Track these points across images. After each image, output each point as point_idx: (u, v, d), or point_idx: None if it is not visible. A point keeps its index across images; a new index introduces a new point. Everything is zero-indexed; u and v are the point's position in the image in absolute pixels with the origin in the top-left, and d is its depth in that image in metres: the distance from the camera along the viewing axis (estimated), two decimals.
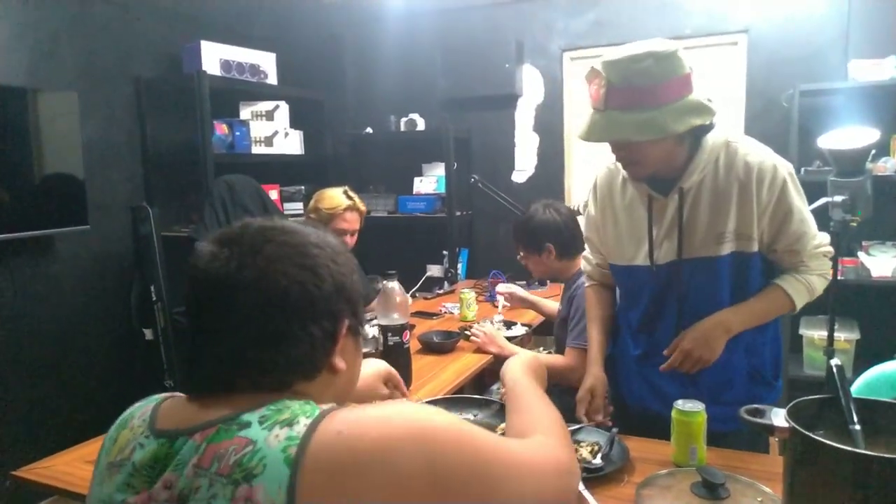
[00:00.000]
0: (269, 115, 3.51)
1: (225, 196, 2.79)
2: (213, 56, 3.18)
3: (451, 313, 2.71)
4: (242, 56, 3.34)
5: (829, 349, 2.48)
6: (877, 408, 1.06)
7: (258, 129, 3.43)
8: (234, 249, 0.71)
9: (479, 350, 2.17)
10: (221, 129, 3.23)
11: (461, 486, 0.68)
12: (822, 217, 2.38)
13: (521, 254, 2.18)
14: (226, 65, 3.24)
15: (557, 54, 3.44)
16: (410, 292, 3.15)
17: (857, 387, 1.71)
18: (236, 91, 3.38)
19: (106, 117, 2.95)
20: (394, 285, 1.70)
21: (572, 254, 2.09)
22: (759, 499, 1.11)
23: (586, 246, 1.69)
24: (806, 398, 1.08)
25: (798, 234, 1.39)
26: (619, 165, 1.47)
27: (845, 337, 2.81)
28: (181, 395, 0.76)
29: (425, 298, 3.08)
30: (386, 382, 1.26)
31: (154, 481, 0.66)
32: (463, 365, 2.05)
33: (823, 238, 1.46)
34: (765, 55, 3.08)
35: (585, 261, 1.71)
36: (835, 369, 1.08)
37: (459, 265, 3.60)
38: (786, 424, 0.99)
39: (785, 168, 1.38)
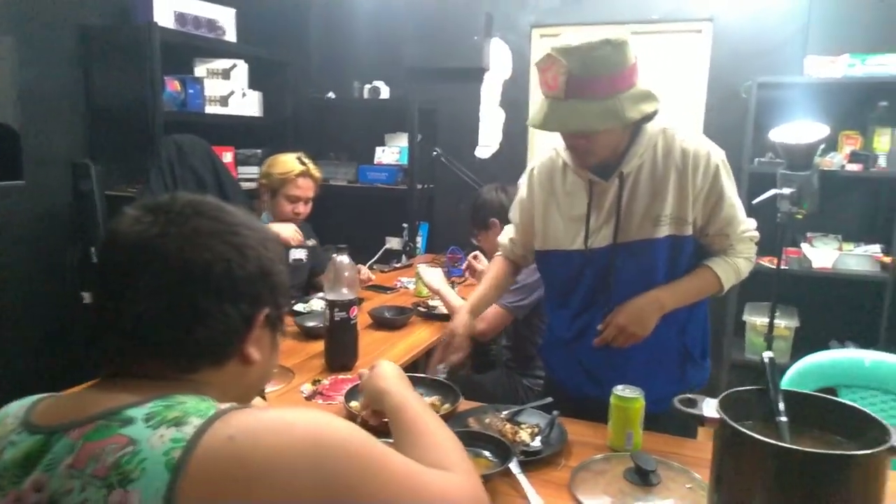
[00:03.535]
0: (226, 74, 3.38)
1: (173, 157, 2.68)
2: (167, 7, 3.02)
3: (407, 288, 2.69)
4: (199, 9, 3.18)
5: (770, 336, 2.59)
6: (806, 400, 1.10)
7: (213, 88, 3.30)
8: (160, 217, 0.68)
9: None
10: (173, 85, 3.09)
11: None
12: (769, 208, 2.47)
13: (474, 231, 2.22)
14: (180, 17, 3.08)
15: (527, 30, 3.39)
16: (368, 264, 3.11)
17: (790, 376, 1.77)
18: (191, 46, 3.22)
19: (47, 66, 2.76)
20: (343, 259, 1.67)
21: None
22: (688, 485, 1.14)
23: (510, 226, 1.70)
24: (738, 389, 1.10)
25: (728, 219, 1.45)
26: (560, 152, 1.51)
27: (785, 324, 2.92)
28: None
29: (382, 272, 3.05)
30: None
31: (23, 481, 0.60)
32: (414, 341, 2.05)
33: (750, 223, 1.52)
34: (728, 45, 3.11)
35: (504, 233, 1.73)
36: (767, 362, 1.11)
37: (419, 239, 3.58)
38: (716, 415, 1.02)
39: (718, 155, 1.44)
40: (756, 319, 2.96)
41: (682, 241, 1.44)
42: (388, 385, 0.98)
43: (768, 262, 2.80)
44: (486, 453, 1.22)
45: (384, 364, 1.07)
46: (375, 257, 3.24)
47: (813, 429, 1.06)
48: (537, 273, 2.02)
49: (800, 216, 2.40)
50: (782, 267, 2.88)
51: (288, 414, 0.64)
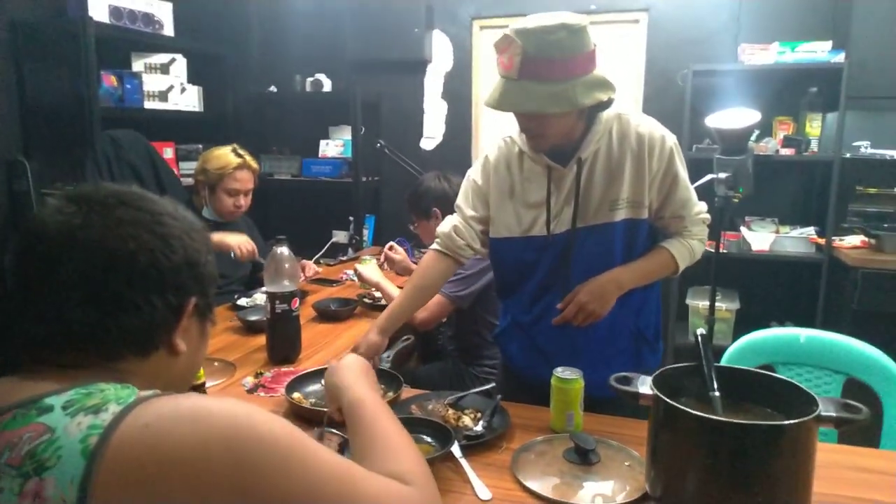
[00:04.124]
0: (165, 69, 3.26)
1: (109, 153, 2.57)
2: (102, 1, 2.89)
3: (353, 280, 2.65)
4: (135, 3, 3.05)
5: (711, 318, 2.65)
6: (740, 376, 1.13)
7: (152, 83, 3.18)
8: (83, 206, 0.67)
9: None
10: (110, 80, 2.97)
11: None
12: (707, 192, 2.51)
13: (413, 220, 2.19)
14: (116, 11, 2.96)
15: (467, 22, 3.39)
16: (314, 259, 3.06)
17: (729, 354, 1.82)
18: (128, 41, 3.10)
19: None
20: (283, 250, 1.63)
21: None
22: (626, 463, 1.16)
23: (455, 216, 1.60)
24: (672, 366, 1.12)
25: (683, 201, 1.48)
26: (515, 139, 1.50)
27: (726, 307, 3.01)
28: None
29: (328, 265, 3.00)
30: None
31: None
32: (357, 333, 2.00)
33: (702, 206, 1.55)
34: (664, 35, 3.17)
35: (445, 222, 1.60)
36: (699, 338, 1.13)
37: (365, 232, 3.54)
38: (650, 392, 1.03)
39: (671, 139, 1.46)
40: (698, 303, 3.04)
41: (638, 224, 1.46)
42: (346, 380, 0.94)
43: (708, 246, 2.87)
44: (428, 438, 1.21)
45: (348, 358, 1.04)
46: (322, 251, 3.19)
47: (745, 402, 1.08)
48: (480, 263, 2.03)
49: (736, 199, 2.47)
50: (722, 250, 2.97)
51: (208, 402, 0.63)
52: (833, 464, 1.18)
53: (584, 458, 1.15)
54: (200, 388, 1.31)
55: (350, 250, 3.25)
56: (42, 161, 2.76)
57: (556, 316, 1.46)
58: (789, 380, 1.06)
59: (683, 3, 3.13)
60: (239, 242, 2.23)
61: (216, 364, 1.64)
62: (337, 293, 2.47)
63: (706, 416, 0.94)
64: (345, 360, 1.03)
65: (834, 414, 0.96)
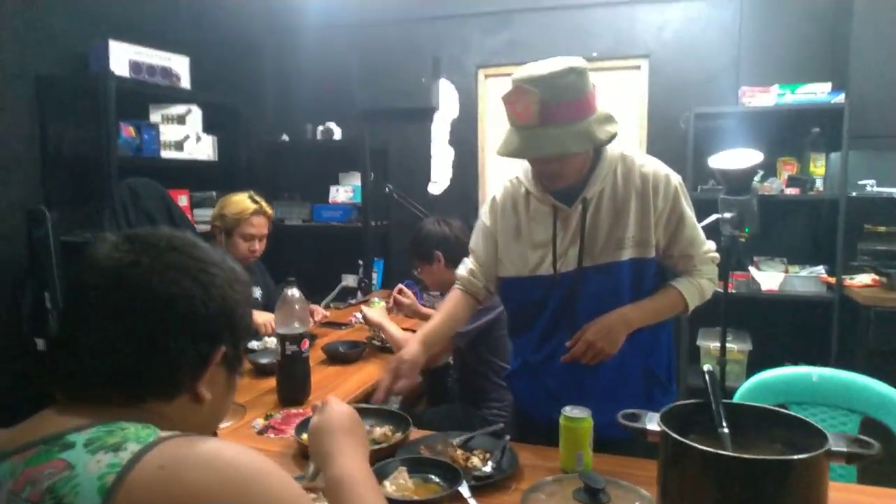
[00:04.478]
0: (181, 119, 3.38)
1: (127, 201, 2.64)
2: (123, 56, 3.03)
3: (362, 323, 2.66)
4: (154, 58, 3.19)
5: (722, 359, 2.63)
6: (749, 412, 1.12)
7: (169, 133, 3.29)
8: (136, 246, 0.70)
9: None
10: (128, 131, 3.08)
11: None
12: (712, 233, 2.54)
13: (416, 265, 2.22)
14: (135, 66, 3.09)
15: (472, 70, 3.50)
16: (324, 303, 3.08)
17: (740, 393, 1.80)
18: (147, 94, 3.23)
19: (2, 114, 2.74)
20: (293, 292, 1.66)
21: (460, 262, 2.14)
22: (637, 503, 1.14)
23: (470, 256, 1.66)
24: (680, 403, 1.12)
25: (690, 239, 1.49)
26: (521, 179, 1.53)
27: (738, 347, 2.98)
28: None
29: (338, 308, 3.02)
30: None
31: None
32: (367, 375, 2.02)
33: (711, 245, 1.56)
34: (665, 79, 3.25)
35: (462, 265, 1.66)
36: (706, 375, 1.14)
37: (375, 275, 3.57)
38: (657, 428, 1.03)
39: (676, 178, 1.48)
40: (709, 344, 3.01)
41: (644, 264, 1.47)
42: (331, 447, 0.87)
43: (717, 287, 2.87)
44: (436, 479, 1.20)
45: (334, 409, 0.93)
46: (332, 295, 3.21)
47: (756, 439, 1.08)
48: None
49: (743, 239, 2.49)
50: (731, 291, 2.97)
51: (224, 449, 0.64)
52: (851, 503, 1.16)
53: (593, 499, 1.13)
54: (212, 431, 1.31)
55: (359, 293, 3.28)
56: (61, 209, 2.85)
57: (565, 345, 1.45)
58: (799, 416, 1.06)
59: (683, 49, 3.22)
60: (265, 321, 2.24)
61: (227, 409, 1.64)
62: (346, 336, 2.48)
63: (714, 451, 0.94)
64: (332, 414, 0.92)
65: (845, 449, 0.95)
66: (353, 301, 3.15)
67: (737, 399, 1.82)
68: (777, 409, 1.11)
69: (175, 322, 0.69)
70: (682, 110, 3.08)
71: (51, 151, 2.93)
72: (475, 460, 1.31)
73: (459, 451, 1.33)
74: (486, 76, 3.49)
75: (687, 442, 0.96)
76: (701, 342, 3.08)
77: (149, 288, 0.68)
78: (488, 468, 1.28)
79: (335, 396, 0.98)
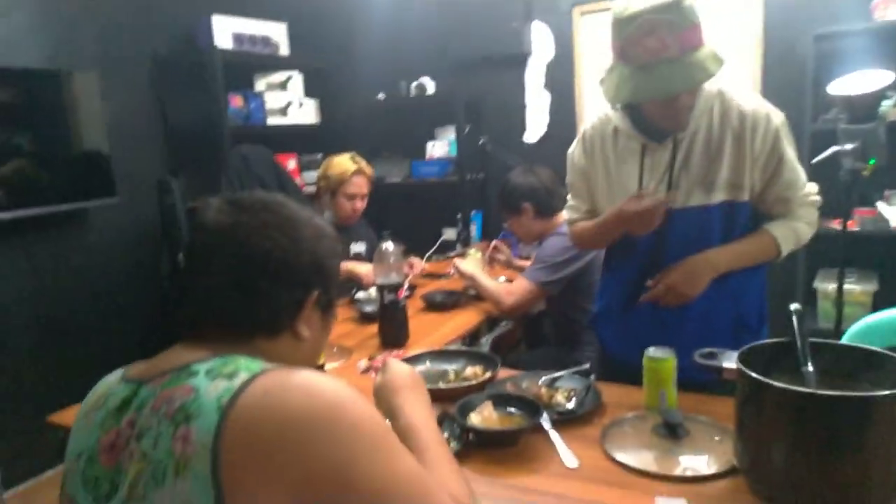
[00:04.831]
0: (283, 86, 3.59)
1: (240, 167, 2.88)
2: (226, 29, 3.25)
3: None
4: (254, 28, 3.40)
5: (840, 302, 2.47)
6: (839, 351, 1.09)
7: (273, 100, 3.51)
8: (236, 209, 0.82)
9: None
10: (237, 101, 3.33)
11: (357, 486, 0.69)
12: (832, 167, 2.35)
13: (505, 217, 2.25)
14: (238, 38, 3.31)
15: (567, 9, 3.38)
16: (426, 256, 3.22)
17: (850, 335, 1.71)
18: (250, 63, 3.46)
19: (126, 94, 3.08)
20: (388, 245, 1.78)
21: (550, 213, 2.15)
22: (716, 437, 1.16)
23: (570, 195, 1.65)
24: (761, 342, 1.11)
25: (789, 182, 1.42)
26: (610, 116, 1.49)
27: (861, 289, 2.77)
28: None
29: (438, 261, 3.14)
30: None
31: (121, 420, 0.75)
32: (463, 321, 2.13)
33: (812, 187, 1.48)
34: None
35: (572, 209, 1.64)
36: (794, 313, 1.11)
37: (473, 227, 3.65)
38: (734, 366, 1.03)
39: (778, 117, 1.41)
40: (828, 286, 2.81)
41: (737, 207, 1.42)
42: (400, 401, 0.96)
43: (837, 225, 2.66)
44: (519, 412, 1.28)
45: (395, 369, 1.02)
46: (433, 249, 3.34)
47: (842, 378, 1.05)
48: (570, 251, 2.05)
49: (866, 172, 2.27)
50: (855, 228, 2.75)
51: (321, 380, 0.73)
52: None
53: (672, 433, 1.17)
54: (320, 368, 1.48)
55: (458, 246, 3.38)
56: (185, 178, 3.16)
57: (646, 285, 1.46)
58: (888, 353, 1.01)
59: None
60: (367, 272, 2.39)
61: (335, 349, 1.82)
62: (445, 286, 2.59)
63: (789, 387, 0.93)
64: (396, 374, 1.01)
65: None
66: (451, 254, 3.26)
67: (845, 341, 1.74)
68: (868, 347, 1.07)
69: (271, 271, 0.80)
70: (802, 32, 2.79)
71: (171, 125, 3.25)
72: (559, 397, 1.37)
73: (544, 389, 1.40)
74: (582, 13, 3.36)
75: (762, 378, 0.96)
76: (818, 283, 2.89)
77: (248, 244, 0.80)
78: (571, 405, 1.34)
79: (395, 358, 1.10)
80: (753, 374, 0.97)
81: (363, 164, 2.61)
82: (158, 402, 0.72)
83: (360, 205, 2.61)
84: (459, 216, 3.50)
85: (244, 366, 0.73)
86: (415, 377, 1.02)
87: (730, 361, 1.06)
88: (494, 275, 2.52)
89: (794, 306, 1.12)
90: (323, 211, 2.64)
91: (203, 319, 0.81)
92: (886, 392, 0.89)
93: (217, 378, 0.71)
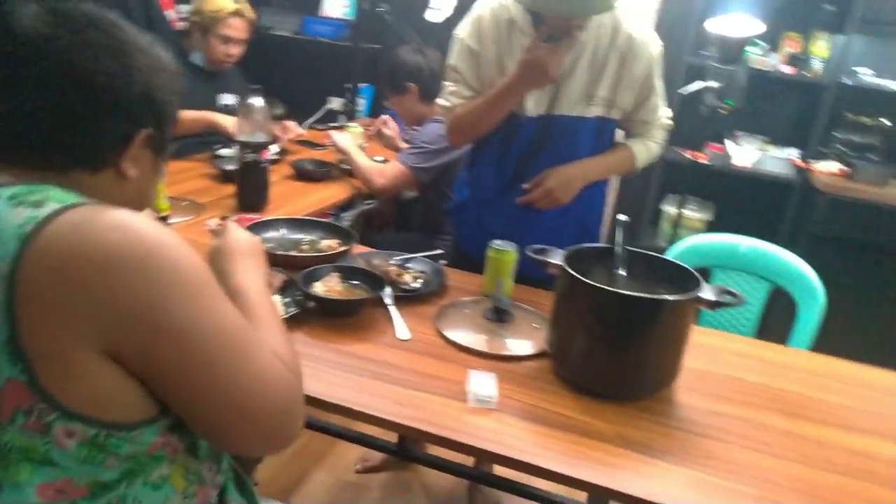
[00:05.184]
0: None
1: None
2: None
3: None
4: None
5: (678, 222, 2.75)
6: (649, 261, 1.23)
7: None
8: (57, 19, 0.71)
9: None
10: None
11: (174, 333, 0.66)
12: (695, 100, 2.54)
13: (388, 95, 2.20)
14: None
15: None
16: (307, 123, 3.10)
17: (672, 254, 1.93)
18: None
19: None
20: (257, 100, 1.69)
21: (434, 97, 2.13)
22: (536, 325, 1.30)
23: (450, 81, 1.57)
24: (587, 245, 1.23)
25: (654, 107, 1.55)
26: (507, 5, 1.46)
27: (699, 217, 3.09)
28: None
29: (317, 129, 3.05)
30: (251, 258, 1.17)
31: None
32: (330, 193, 2.12)
33: (667, 111, 1.62)
34: None
35: (453, 95, 1.55)
36: (618, 223, 1.23)
37: (363, 101, 3.54)
38: (559, 262, 1.14)
39: (657, 47, 1.50)
40: (672, 210, 3.12)
41: (608, 124, 1.53)
42: (233, 265, 0.93)
43: (690, 155, 2.90)
44: (364, 286, 1.34)
45: (233, 235, 0.98)
46: (316, 117, 3.22)
47: (646, 283, 1.20)
48: (444, 140, 2.08)
49: (724, 111, 2.48)
50: (704, 161, 3.02)
51: (139, 219, 0.68)
52: (721, 348, 1.34)
53: (499, 317, 1.29)
54: (163, 221, 1.42)
55: (343, 118, 3.28)
56: None
57: (512, 199, 1.54)
58: (687, 266, 1.17)
59: None
60: (232, 125, 2.23)
61: (185, 203, 1.74)
62: (318, 156, 2.54)
63: (596, 284, 1.06)
64: (228, 240, 0.97)
65: (712, 298, 1.07)
66: (333, 125, 3.16)
67: (669, 257, 1.96)
68: (671, 259, 1.23)
69: (94, 98, 0.71)
70: None
71: None
72: (407, 277, 1.44)
73: (394, 268, 1.46)
74: None
75: (577, 276, 1.08)
76: (664, 206, 3.19)
77: (69, 62, 0.70)
78: (417, 284, 1.42)
79: (235, 223, 1.05)
80: (570, 270, 1.09)
81: (245, 5, 2.39)
82: None
83: (236, 50, 2.41)
84: (348, 86, 3.37)
85: (55, 196, 0.67)
86: (253, 243, 0.99)
87: (557, 258, 1.17)
88: (374, 152, 2.50)
89: (619, 217, 1.23)
90: (192, 50, 2.42)
91: (8, 142, 0.72)
92: (671, 297, 1.04)
93: (20, 205, 0.65)
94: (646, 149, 1.61)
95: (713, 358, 1.28)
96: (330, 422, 1.87)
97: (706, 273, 1.93)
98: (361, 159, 2.17)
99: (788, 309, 1.79)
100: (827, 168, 2.86)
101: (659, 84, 1.54)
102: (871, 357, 1.35)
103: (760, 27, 2.37)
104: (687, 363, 1.15)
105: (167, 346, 0.66)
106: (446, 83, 1.58)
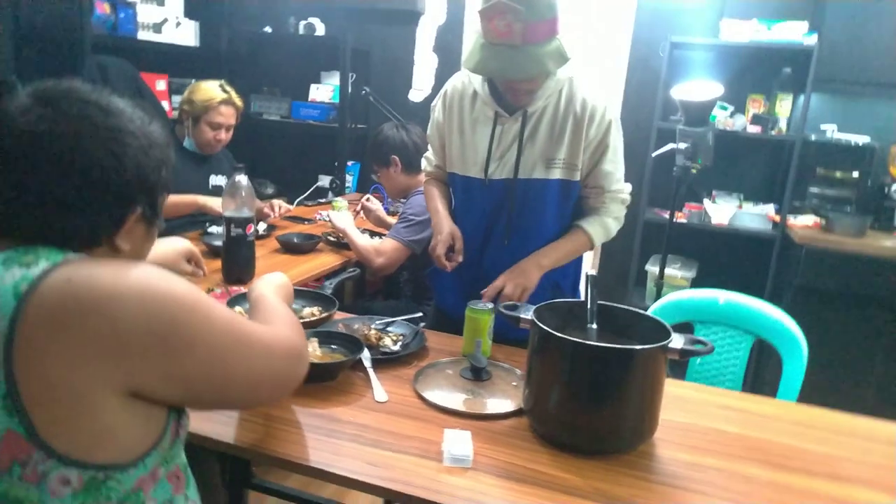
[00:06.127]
0: (160, 1, 3.34)
1: (96, 78, 2.68)
2: None
3: (325, 221, 2.78)
4: None
5: (660, 283, 2.78)
6: (620, 314, 1.26)
7: (147, 14, 3.26)
8: (48, 112, 0.73)
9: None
10: (102, 7, 3.05)
11: (186, 347, 0.72)
12: (668, 162, 2.63)
13: (374, 168, 2.31)
14: None
15: None
16: (297, 201, 3.20)
17: (653, 310, 1.96)
18: None
19: None
20: (241, 178, 1.76)
21: (417, 169, 2.24)
22: (514, 383, 1.31)
23: (428, 146, 1.77)
24: (558, 301, 1.26)
25: (606, 173, 1.58)
26: (472, 79, 1.57)
27: (682, 275, 3.14)
28: None
29: (306, 205, 3.13)
30: (189, 260, 1.34)
31: None
32: (317, 265, 2.16)
33: (626, 186, 1.65)
34: (651, 5, 3.21)
35: (426, 160, 1.79)
36: (588, 278, 1.26)
37: (349, 178, 3.65)
38: (529, 317, 1.17)
39: (612, 112, 1.56)
40: (656, 269, 3.15)
41: (570, 186, 1.57)
42: (260, 284, 1.08)
43: (665, 214, 2.97)
44: (342, 349, 1.36)
45: (272, 273, 1.16)
46: (306, 194, 3.32)
47: (620, 337, 1.22)
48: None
49: (694, 170, 2.56)
50: (683, 220, 3.09)
51: (127, 264, 0.73)
52: (703, 401, 1.34)
53: (477, 376, 1.30)
54: None
55: (330, 193, 3.38)
56: (32, 82, 2.87)
57: (486, 258, 1.61)
58: (658, 318, 1.19)
59: None
60: (219, 206, 2.31)
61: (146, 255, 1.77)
62: (306, 230, 2.60)
63: (568, 337, 1.08)
64: (267, 276, 1.15)
65: (680, 346, 1.09)
66: (321, 200, 3.25)
67: (652, 314, 1.99)
68: (642, 312, 1.25)
69: (89, 189, 0.74)
70: (663, 38, 3.06)
71: (23, 23, 2.92)
72: (387, 340, 1.46)
73: (374, 332, 1.49)
74: None
75: (548, 330, 1.10)
76: (649, 267, 3.23)
77: (63, 158, 0.73)
78: (396, 347, 1.44)
79: (238, 292, 1.16)
80: (540, 324, 1.11)
81: (233, 93, 2.52)
82: None
83: (225, 136, 2.53)
84: (336, 164, 3.49)
85: (45, 255, 0.70)
86: (284, 279, 1.15)
87: (528, 314, 1.19)
88: (360, 225, 2.57)
89: (590, 272, 1.27)
90: (184, 136, 2.53)
91: (7, 226, 0.75)
92: (639, 347, 1.07)
93: (14, 266, 0.69)
94: (602, 228, 1.62)
95: (695, 411, 1.28)
96: (306, 491, 1.83)
97: (688, 328, 1.94)
98: (359, 239, 2.24)
99: (778, 361, 1.79)
100: (803, 221, 2.93)
101: (614, 150, 1.57)
102: (856, 407, 1.34)
103: (720, 90, 2.49)
104: (667, 416, 1.15)
105: (184, 361, 0.72)
106: (427, 152, 1.78)
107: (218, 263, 1.96)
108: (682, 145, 2.52)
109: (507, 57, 1.33)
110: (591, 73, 1.57)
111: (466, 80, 1.60)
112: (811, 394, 1.65)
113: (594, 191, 1.61)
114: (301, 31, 3.51)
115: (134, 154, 0.78)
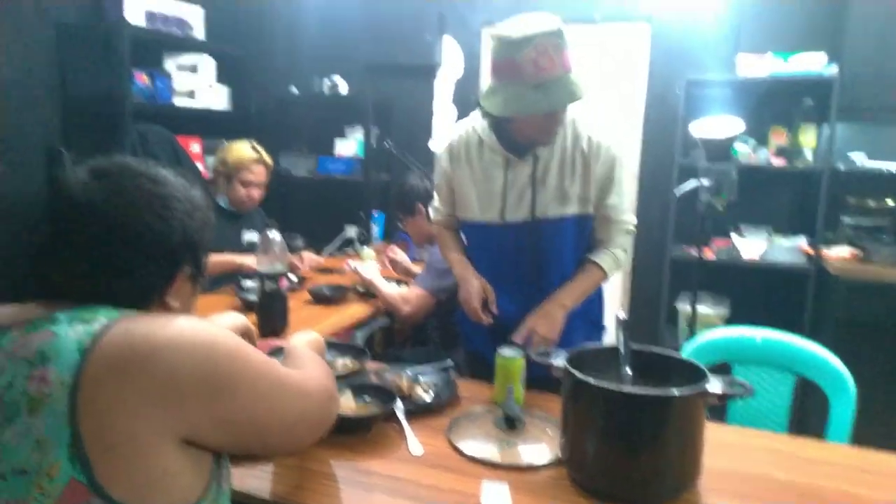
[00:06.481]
0: (194, 69, 3.51)
1: (137, 146, 2.81)
2: (139, 5, 3.16)
3: (353, 271, 2.81)
4: (169, 8, 3.32)
5: (693, 322, 2.73)
6: (655, 358, 1.24)
7: (182, 82, 3.43)
8: (104, 184, 0.82)
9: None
10: (142, 78, 3.23)
11: (230, 392, 0.78)
12: (691, 198, 2.63)
13: (400, 217, 2.35)
14: (150, 16, 3.23)
15: (477, 29, 3.54)
16: (326, 251, 3.26)
17: (687, 351, 1.92)
18: (161, 42, 3.37)
19: (24, 59, 2.91)
20: (273, 234, 1.81)
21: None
22: (549, 431, 1.29)
23: (435, 195, 1.81)
24: (590, 346, 1.25)
25: (612, 205, 1.62)
26: (476, 128, 1.62)
27: (715, 312, 3.08)
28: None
29: (335, 256, 3.19)
30: (243, 335, 1.36)
31: None
32: (347, 315, 2.19)
33: (631, 218, 1.69)
34: (665, 44, 3.26)
35: (434, 210, 1.83)
36: (618, 322, 1.26)
37: (375, 227, 3.72)
38: (561, 364, 1.16)
39: (618, 149, 1.60)
40: (686, 307, 3.11)
41: (586, 220, 1.62)
42: (290, 340, 1.16)
43: (694, 251, 2.94)
44: (376, 400, 1.36)
45: (304, 331, 1.22)
46: (333, 245, 3.38)
47: (654, 381, 1.20)
48: None
49: (720, 206, 2.56)
50: (712, 257, 3.05)
51: (176, 318, 0.78)
52: (747, 446, 1.31)
53: (511, 425, 1.28)
54: None
55: (357, 244, 3.44)
56: (81, 151, 3.03)
57: (511, 300, 1.61)
58: (695, 362, 1.18)
59: (684, 14, 3.21)
60: (252, 263, 2.36)
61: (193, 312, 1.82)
62: (336, 281, 2.64)
63: (601, 384, 1.07)
64: (302, 332, 1.21)
65: (719, 391, 1.07)
66: (349, 250, 3.31)
67: (687, 355, 1.95)
68: (677, 355, 1.23)
69: (143, 251, 0.82)
70: (679, 76, 3.09)
71: (69, 95, 3.11)
72: (419, 390, 1.46)
73: (406, 382, 1.49)
74: (491, 35, 3.53)
75: (581, 377, 1.09)
76: (679, 304, 3.18)
77: (116, 224, 0.81)
78: (429, 396, 1.44)
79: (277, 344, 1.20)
80: (574, 371, 1.10)
81: (263, 153, 2.62)
82: (18, 347, 0.74)
83: (257, 193, 2.61)
84: (362, 215, 3.56)
85: (104, 314, 0.77)
86: (317, 337, 1.20)
87: (561, 360, 1.18)
88: (386, 275, 2.60)
89: (618, 315, 1.26)
90: (217, 195, 2.62)
91: (66, 289, 0.81)
92: (677, 391, 1.05)
93: (76, 323, 0.74)
94: (613, 260, 1.65)
95: (739, 456, 1.25)
96: None
97: (726, 369, 1.89)
98: (386, 289, 2.27)
99: (823, 401, 1.73)
100: (838, 253, 2.87)
101: (619, 184, 1.61)
102: None
103: (741, 126, 2.50)
104: (711, 463, 1.12)
105: (229, 404, 0.77)
106: (435, 199, 1.83)
107: (250, 318, 2.01)
108: (706, 181, 2.53)
109: (555, 90, 1.39)
110: (594, 111, 1.62)
111: (470, 129, 1.65)
112: (861, 434, 1.59)
113: (601, 221, 1.64)
114: (325, 90, 3.65)
115: (180, 218, 0.86)
